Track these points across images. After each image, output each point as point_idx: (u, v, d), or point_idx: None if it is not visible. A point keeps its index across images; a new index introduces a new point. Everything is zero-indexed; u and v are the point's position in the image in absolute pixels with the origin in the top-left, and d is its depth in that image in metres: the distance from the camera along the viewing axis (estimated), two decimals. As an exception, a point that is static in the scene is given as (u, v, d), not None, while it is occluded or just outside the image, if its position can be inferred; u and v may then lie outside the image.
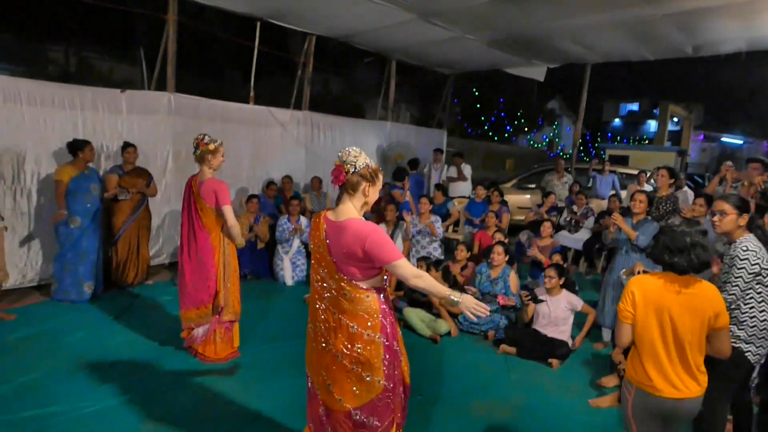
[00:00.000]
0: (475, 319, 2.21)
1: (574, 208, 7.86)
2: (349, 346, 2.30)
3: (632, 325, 2.37)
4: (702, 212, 4.88)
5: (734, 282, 2.84)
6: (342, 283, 2.29)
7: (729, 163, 5.73)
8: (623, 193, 9.18)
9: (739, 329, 2.88)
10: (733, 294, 2.85)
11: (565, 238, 7.71)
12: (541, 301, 4.68)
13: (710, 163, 26.61)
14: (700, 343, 2.30)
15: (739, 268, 2.84)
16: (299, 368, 3.83)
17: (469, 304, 2.27)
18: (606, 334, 4.95)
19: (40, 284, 5.50)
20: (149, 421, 3.21)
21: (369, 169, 2.32)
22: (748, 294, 2.87)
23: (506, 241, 6.09)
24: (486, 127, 22.69)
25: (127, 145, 5.74)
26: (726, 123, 31.68)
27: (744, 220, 2.94)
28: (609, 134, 34.21)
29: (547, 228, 6.21)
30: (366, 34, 8.02)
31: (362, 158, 2.32)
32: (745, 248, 2.86)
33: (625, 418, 2.50)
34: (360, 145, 9.39)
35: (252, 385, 3.75)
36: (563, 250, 7.23)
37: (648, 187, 7.98)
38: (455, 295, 2.26)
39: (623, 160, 15.03)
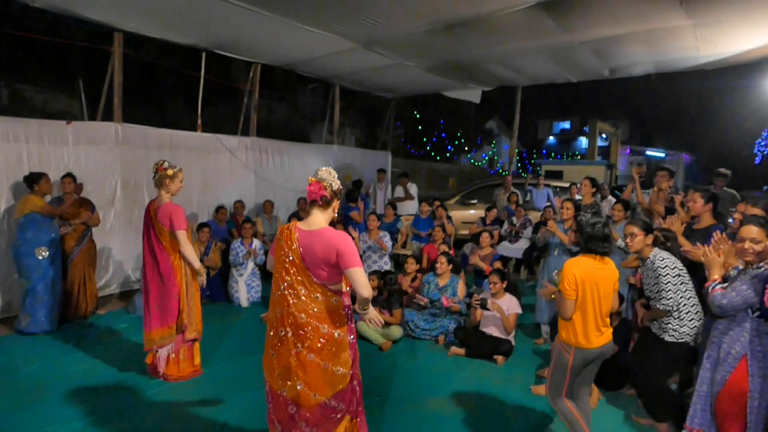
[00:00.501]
0: (369, 326, 2.65)
1: (514, 219, 8.40)
2: (320, 345, 2.56)
3: (575, 300, 2.95)
4: (620, 216, 5.25)
5: (666, 290, 3.41)
6: (314, 287, 2.55)
7: (637, 167, 6.36)
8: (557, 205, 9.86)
9: (681, 326, 3.44)
10: (671, 299, 3.39)
11: (507, 248, 8.22)
12: (488, 309, 5.03)
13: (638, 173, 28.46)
14: (610, 303, 3.07)
15: (664, 277, 3.41)
16: (260, 381, 4.04)
17: (371, 315, 2.69)
18: (545, 331, 5.39)
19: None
20: (118, 438, 3.30)
21: (339, 187, 2.68)
22: (678, 295, 3.41)
23: (451, 252, 6.49)
24: (428, 148, 23.47)
25: (64, 176, 5.61)
26: (649, 137, 34.10)
27: (650, 239, 3.55)
28: (544, 151, 35.95)
29: (485, 238, 6.63)
30: (309, 62, 8.36)
31: (336, 179, 2.67)
32: (661, 258, 3.47)
33: (558, 376, 3.07)
34: (307, 168, 9.72)
35: (215, 399, 3.88)
36: (504, 260, 7.73)
37: (578, 197, 8.64)
38: (368, 308, 2.65)
39: (558, 175, 15.90)
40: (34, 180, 5.24)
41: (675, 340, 3.47)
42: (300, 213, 8.05)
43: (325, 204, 2.62)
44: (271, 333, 2.68)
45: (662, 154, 33.31)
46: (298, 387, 2.58)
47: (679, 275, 3.46)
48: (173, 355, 4.07)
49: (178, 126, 8.08)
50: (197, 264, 4.06)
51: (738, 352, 2.82)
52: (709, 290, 2.90)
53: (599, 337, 3.03)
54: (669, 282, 3.41)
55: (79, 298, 5.68)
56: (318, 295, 2.56)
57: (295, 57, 8.12)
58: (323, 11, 5.88)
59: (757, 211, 3.52)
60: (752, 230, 2.81)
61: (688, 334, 3.46)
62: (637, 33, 6.46)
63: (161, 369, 4.08)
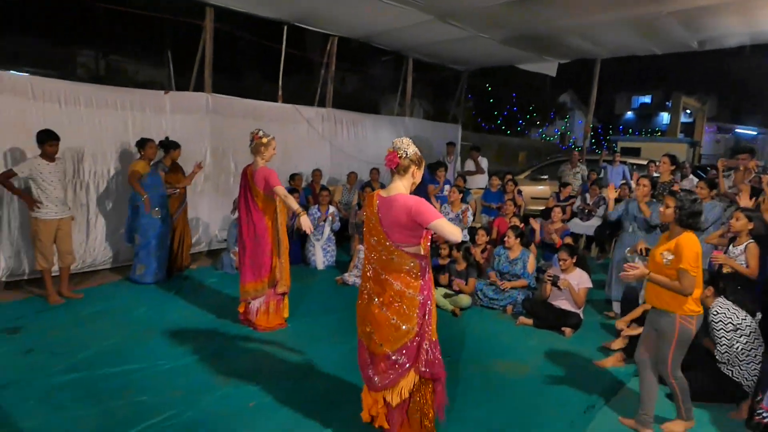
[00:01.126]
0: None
1: (587, 197, 8.27)
2: (392, 300, 2.80)
3: (696, 276, 3.05)
4: (705, 194, 5.07)
5: (721, 343, 3.63)
6: (391, 249, 2.78)
7: (723, 160, 6.04)
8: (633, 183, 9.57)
9: (740, 371, 3.60)
10: (725, 353, 3.63)
11: (578, 225, 8.14)
12: (558, 287, 5.10)
13: (724, 154, 26.68)
14: None
15: (718, 331, 3.63)
16: (339, 336, 4.39)
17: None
18: (616, 306, 5.40)
19: (98, 268, 6.07)
20: (219, 375, 3.74)
21: (417, 155, 2.81)
22: (733, 348, 3.61)
23: (521, 226, 6.55)
24: (499, 122, 23.08)
25: (174, 145, 6.18)
26: (739, 114, 31.63)
27: (710, 291, 3.76)
28: (621, 127, 34.32)
29: (557, 213, 6.61)
30: (385, 34, 8.50)
31: (412, 146, 2.81)
32: (715, 313, 3.63)
33: (681, 351, 3.17)
34: (379, 139, 9.97)
35: (301, 348, 4.26)
36: (575, 237, 7.68)
37: (656, 174, 8.37)
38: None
39: (635, 152, 15.26)
40: (141, 146, 5.79)
41: (731, 376, 3.63)
42: (372, 183, 8.32)
43: (402, 171, 2.78)
44: (363, 284, 2.96)
45: (754, 132, 30.91)
46: (372, 336, 2.86)
47: (738, 329, 3.58)
48: (264, 307, 4.49)
49: (257, 95, 8.49)
50: (297, 206, 4.25)
51: None
52: None
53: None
54: (723, 336, 3.60)
55: (179, 253, 6.30)
56: (394, 256, 2.77)
57: (372, 29, 8.28)
58: (403, -16, 5.99)
59: None
60: None
61: (746, 378, 3.59)
62: (732, 2, 6.11)
63: (252, 318, 4.51)
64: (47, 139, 4.87)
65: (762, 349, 3.60)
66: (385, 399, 2.90)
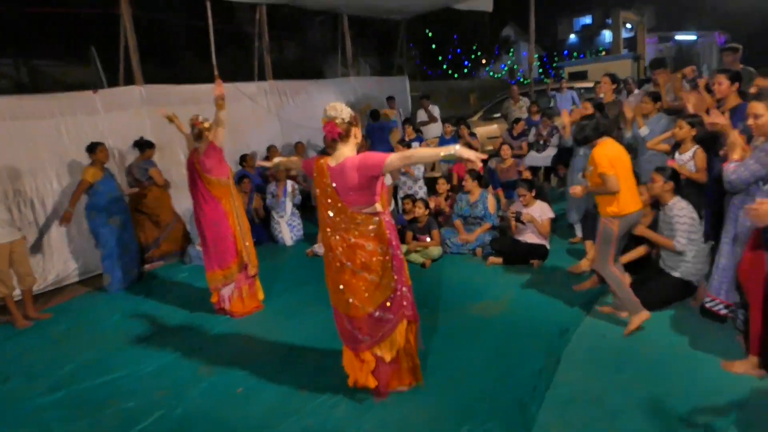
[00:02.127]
0: (477, 164, 2.45)
1: (540, 128, 8.36)
2: (366, 261, 2.84)
3: (615, 174, 3.47)
4: (650, 108, 5.12)
5: (681, 235, 3.81)
6: (353, 215, 2.80)
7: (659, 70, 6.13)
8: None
9: (690, 267, 3.86)
10: (684, 242, 3.82)
11: (534, 158, 8.24)
12: (522, 222, 5.22)
13: (668, 63, 27.13)
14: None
15: (681, 224, 3.82)
16: (318, 305, 4.42)
17: (465, 151, 2.47)
18: (578, 229, 5.57)
19: (65, 284, 5.92)
20: (203, 367, 3.75)
21: (351, 114, 2.81)
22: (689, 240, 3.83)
23: (478, 168, 6.61)
24: (445, 66, 22.89)
25: (149, 144, 6.32)
26: (677, 21, 32.08)
27: (669, 185, 3.92)
28: (566, 51, 34.46)
29: (506, 151, 6.62)
30: (312, -6, 8.23)
31: (345, 108, 2.80)
32: (680, 207, 3.84)
33: (605, 248, 3.60)
34: (328, 103, 9.77)
35: (282, 326, 4.30)
36: (533, 170, 7.81)
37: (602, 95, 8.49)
38: (449, 149, 2.50)
39: (583, 75, 15.45)
40: (91, 150, 5.54)
41: (681, 277, 3.87)
42: (327, 149, 8.22)
43: (345, 136, 2.79)
44: (329, 254, 2.95)
45: (693, 37, 31.42)
46: (350, 300, 2.89)
47: (693, 224, 3.81)
48: (236, 293, 4.48)
49: (195, 79, 8.19)
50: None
51: (753, 223, 2.96)
52: (724, 167, 3.02)
53: (637, 203, 3.65)
54: (684, 229, 3.80)
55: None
56: (358, 219, 2.81)
57: (298, -9, 8.00)
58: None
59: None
60: (756, 106, 2.91)
61: (694, 274, 3.84)
62: None
63: (227, 306, 4.50)
64: None
65: (707, 248, 3.81)
66: (377, 355, 2.96)
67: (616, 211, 3.56)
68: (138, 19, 6.89)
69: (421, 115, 9.98)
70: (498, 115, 11.14)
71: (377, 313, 2.88)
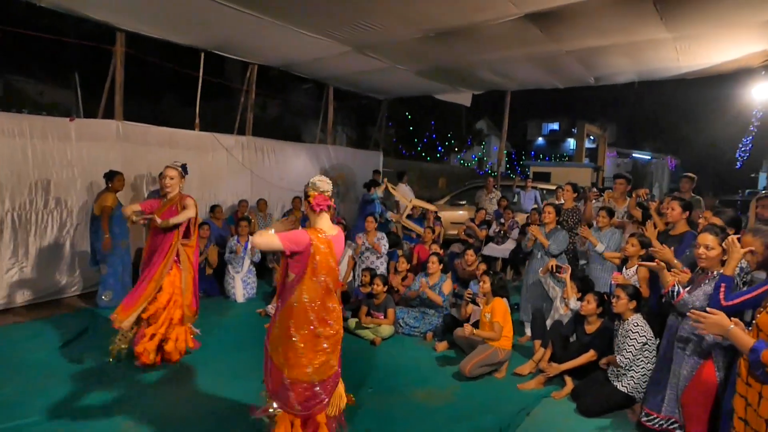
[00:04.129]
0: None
1: (502, 221, 8.69)
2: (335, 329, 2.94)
3: None
4: (605, 222, 5.47)
5: (628, 350, 3.91)
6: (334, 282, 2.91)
7: (594, 190, 6.67)
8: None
9: (635, 383, 3.94)
10: (628, 359, 3.91)
11: (493, 249, 8.50)
12: (477, 304, 5.29)
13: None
14: None
15: (632, 340, 3.92)
16: (254, 372, 4.26)
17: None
18: (527, 328, 5.67)
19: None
20: (127, 422, 3.53)
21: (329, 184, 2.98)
22: (638, 358, 3.93)
23: (440, 252, 6.75)
24: (419, 148, 23.77)
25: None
26: (635, 140, 34.69)
27: (633, 304, 4.06)
28: (533, 152, 36.43)
29: (470, 256, 6.68)
30: (304, 64, 8.57)
31: (327, 180, 2.96)
32: (635, 324, 3.94)
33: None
34: (302, 166, 9.95)
35: (217, 388, 4.12)
36: (490, 260, 8.02)
37: (561, 201, 8.96)
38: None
39: (546, 177, 16.25)
40: (110, 178, 5.91)
41: (626, 392, 3.97)
42: (295, 212, 8.26)
43: (330, 209, 2.95)
44: (308, 327, 2.84)
45: (648, 157, 33.88)
46: (330, 362, 2.92)
47: (646, 344, 3.95)
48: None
49: (174, 122, 8.24)
50: (182, 218, 4.37)
51: (704, 348, 3.14)
52: (675, 295, 3.22)
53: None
54: (633, 345, 3.92)
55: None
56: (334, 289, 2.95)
57: (290, 59, 8.32)
58: (319, 17, 6.09)
59: (717, 221, 3.82)
60: (707, 238, 3.14)
61: (638, 391, 3.96)
62: (620, 44, 6.75)
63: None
64: None
65: (651, 364, 3.94)
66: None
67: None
68: (129, 56, 6.97)
69: (399, 194, 10.22)
70: (464, 202, 11.53)
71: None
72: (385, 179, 10.05)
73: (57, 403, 3.75)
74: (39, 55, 13.95)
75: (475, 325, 4.97)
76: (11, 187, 5.71)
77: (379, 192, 9.14)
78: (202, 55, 7.80)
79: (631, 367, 3.95)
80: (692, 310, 2.61)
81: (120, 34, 6.68)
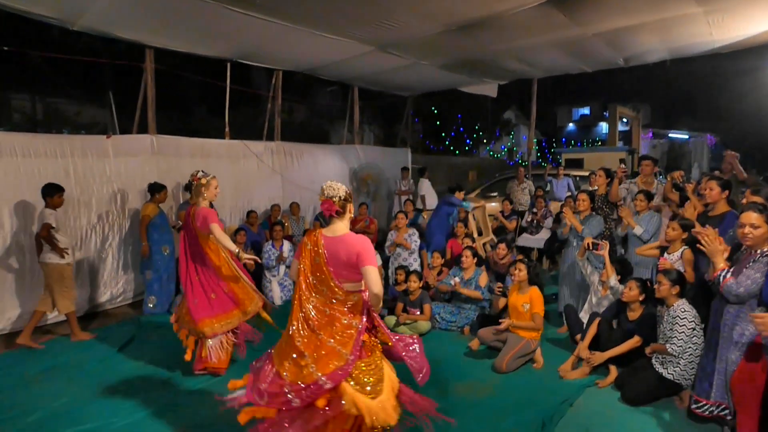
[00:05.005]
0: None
1: (534, 210, 8.58)
2: (340, 333, 2.85)
3: None
4: (643, 206, 5.34)
5: (679, 338, 3.82)
6: (335, 288, 2.87)
7: (622, 166, 6.43)
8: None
9: (682, 371, 3.86)
10: (680, 347, 3.82)
11: (528, 239, 8.41)
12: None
13: (661, 158, 28.15)
14: None
15: (681, 326, 3.83)
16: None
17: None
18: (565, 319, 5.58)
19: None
20: (178, 429, 3.65)
21: (347, 192, 2.99)
22: (687, 344, 3.83)
23: (474, 245, 6.72)
24: (447, 142, 23.64)
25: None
26: (671, 120, 33.57)
27: (676, 289, 3.96)
28: (564, 139, 35.73)
29: (501, 249, 6.63)
30: (328, 66, 8.65)
31: (341, 187, 2.97)
32: (683, 310, 3.85)
33: None
34: (332, 168, 10.04)
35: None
36: (525, 251, 7.93)
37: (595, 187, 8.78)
38: (379, 306, 2.90)
39: (579, 163, 15.89)
40: (156, 190, 6.29)
41: (672, 379, 3.85)
42: (292, 216, 8.42)
43: (341, 214, 2.95)
44: (294, 323, 2.89)
45: (686, 136, 32.76)
46: (311, 367, 2.77)
47: (695, 329, 3.81)
48: (219, 344, 4.42)
49: (204, 132, 8.46)
50: (233, 247, 4.30)
51: (752, 333, 3.04)
52: (721, 280, 3.11)
53: None
54: (684, 332, 3.80)
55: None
56: (339, 292, 2.88)
57: (314, 62, 8.41)
58: (340, 19, 6.14)
59: (758, 199, 3.69)
60: (752, 216, 3.02)
61: (685, 378, 3.84)
62: (649, 22, 6.55)
63: (212, 360, 4.40)
64: (55, 192, 5.33)
65: (699, 350, 3.83)
66: None
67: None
68: (158, 71, 7.19)
69: (423, 188, 10.23)
70: (495, 194, 11.42)
71: (321, 380, 2.75)
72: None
73: (109, 412, 3.91)
74: (74, 76, 14.49)
75: (499, 315, 4.94)
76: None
77: (471, 204, 8.16)
78: (229, 65, 7.96)
79: (681, 354, 3.85)
80: (753, 314, 2.54)
81: (149, 50, 6.88)
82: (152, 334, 5.70)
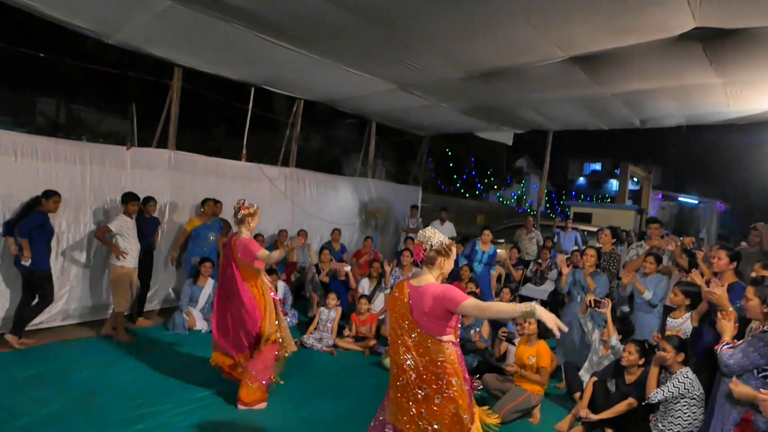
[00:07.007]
0: (555, 331, 2.42)
1: (539, 260, 8.56)
2: (445, 391, 2.67)
3: None
4: (652, 269, 5.27)
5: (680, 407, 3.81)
6: (425, 337, 2.71)
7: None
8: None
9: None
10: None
11: (532, 290, 8.36)
12: (513, 344, 5.20)
13: (669, 221, 28.11)
14: None
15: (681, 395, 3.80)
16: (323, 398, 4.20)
17: (545, 313, 2.48)
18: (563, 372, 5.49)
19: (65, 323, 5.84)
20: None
21: (442, 244, 2.79)
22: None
23: (477, 291, 6.68)
24: (458, 185, 23.80)
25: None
26: (682, 184, 33.68)
27: (681, 357, 3.91)
28: (573, 192, 35.85)
29: (505, 295, 6.58)
30: (349, 100, 8.81)
31: (437, 237, 2.80)
32: (684, 376, 3.80)
33: None
34: (342, 199, 10.09)
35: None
36: (528, 301, 7.86)
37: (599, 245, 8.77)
38: (527, 306, 2.51)
39: (587, 218, 15.93)
40: (203, 203, 6.99)
41: None
42: (332, 243, 8.37)
43: (430, 263, 2.79)
44: (397, 382, 2.79)
45: (695, 201, 32.77)
46: (435, 427, 2.65)
47: (695, 398, 3.78)
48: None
49: (222, 152, 8.57)
50: (276, 256, 4.34)
51: (743, 407, 2.99)
52: (719, 350, 3.09)
53: None
54: (674, 386, 3.80)
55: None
56: (429, 344, 2.69)
57: (336, 95, 8.58)
58: (368, 57, 6.30)
59: (767, 273, 3.66)
60: (749, 290, 3.02)
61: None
62: (668, 88, 6.67)
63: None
64: (130, 200, 5.89)
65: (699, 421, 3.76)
66: None
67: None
68: (184, 90, 7.34)
69: (446, 232, 10.23)
70: (502, 240, 11.41)
71: None
72: (443, 212, 10.07)
73: (97, 421, 3.85)
74: (101, 86, 14.82)
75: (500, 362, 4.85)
76: (68, 210, 6.00)
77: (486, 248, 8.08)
78: (252, 89, 8.14)
79: (676, 417, 3.76)
80: (761, 391, 2.51)
81: (177, 69, 7.06)
82: (153, 347, 5.66)
